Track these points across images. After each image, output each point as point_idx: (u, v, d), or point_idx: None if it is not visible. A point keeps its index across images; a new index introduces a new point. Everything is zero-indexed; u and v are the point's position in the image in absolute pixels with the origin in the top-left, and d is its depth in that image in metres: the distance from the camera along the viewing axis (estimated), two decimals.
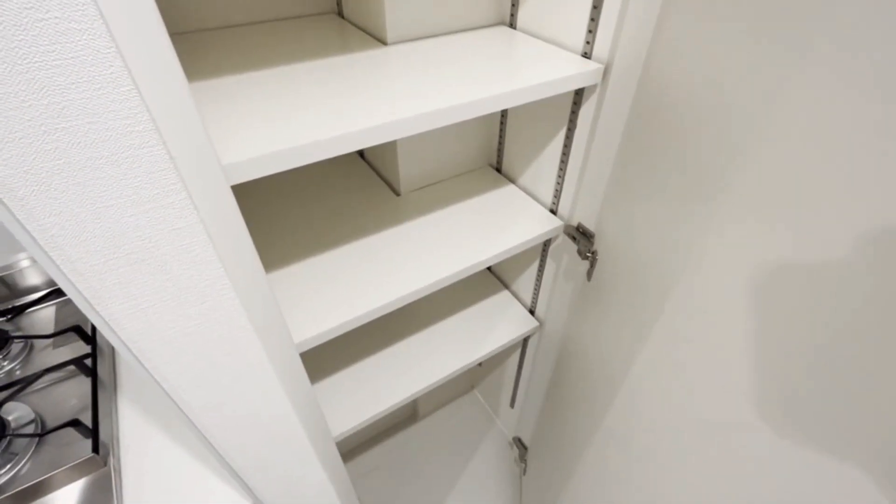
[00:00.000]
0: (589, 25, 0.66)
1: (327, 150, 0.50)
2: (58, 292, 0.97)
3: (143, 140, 0.33)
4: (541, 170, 0.88)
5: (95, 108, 0.30)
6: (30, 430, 0.72)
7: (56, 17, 0.26)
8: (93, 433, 0.70)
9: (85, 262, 0.36)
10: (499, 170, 1.02)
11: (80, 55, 0.28)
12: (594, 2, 0.64)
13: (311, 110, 0.53)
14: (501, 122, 0.95)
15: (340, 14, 0.87)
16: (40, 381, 0.80)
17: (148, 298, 0.41)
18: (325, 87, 0.59)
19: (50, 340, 0.88)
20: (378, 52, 0.70)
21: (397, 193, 0.93)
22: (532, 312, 1.09)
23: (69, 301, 0.97)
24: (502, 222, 0.86)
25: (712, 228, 0.58)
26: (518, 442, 1.50)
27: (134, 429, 0.75)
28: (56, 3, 0.26)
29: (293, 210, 0.89)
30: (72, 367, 0.81)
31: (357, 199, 0.92)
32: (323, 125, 0.50)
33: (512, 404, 1.48)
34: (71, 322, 0.89)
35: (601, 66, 0.66)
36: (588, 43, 0.68)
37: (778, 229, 0.51)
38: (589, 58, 0.68)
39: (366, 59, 0.67)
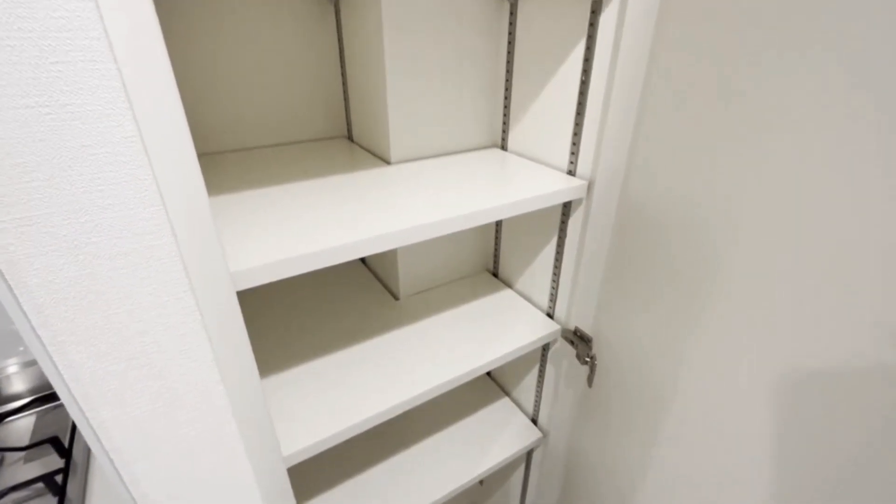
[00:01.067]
0: (571, 148, 0.75)
1: (331, 257, 0.53)
2: (40, 400, 0.94)
3: (163, 253, 0.36)
4: (536, 275, 0.92)
5: (125, 226, 0.34)
6: None
7: (107, 152, 0.31)
8: None
9: (86, 368, 0.36)
10: (496, 274, 1.05)
11: (121, 181, 0.32)
12: (574, 129, 0.73)
13: (317, 220, 0.57)
14: (497, 231, 1.01)
15: (350, 138, 0.98)
16: (2, 501, 0.73)
17: (141, 405, 0.40)
18: (331, 200, 0.64)
19: (23, 454, 0.82)
20: (382, 171, 0.77)
21: (396, 298, 0.95)
22: (535, 422, 1.04)
23: (50, 410, 0.94)
24: (500, 326, 0.87)
25: (706, 334, 0.59)
26: None
27: None
28: (109, 140, 0.31)
29: (291, 312, 0.90)
30: (40, 485, 0.75)
31: (356, 302, 0.94)
32: (328, 234, 0.54)
33: None
34: (49, 433, 0.85)
35: (585, 183, 0.73)
36: (572, 163, 0.75)
37: (767, 337, 0.52)
38: (573, 175, 0.76)
39: (371, 177, 0.74)
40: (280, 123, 0.91)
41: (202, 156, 0.86)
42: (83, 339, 0.35)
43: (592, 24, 0.65)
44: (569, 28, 0.69)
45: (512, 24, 0.80)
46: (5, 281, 0.30)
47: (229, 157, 0.85)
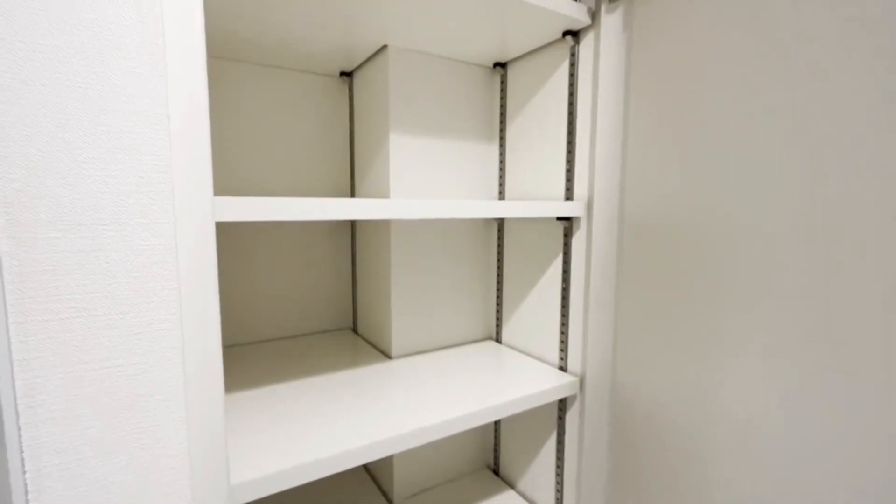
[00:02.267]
0: (560, 345, 0.80)
1: (329, 467, 0.53)
2: None
3: (174, 477, 0.38)
4: (539, 476, 0.87)
5: (158, 460, 0.36)
6: None
7: (157, 399, 0.35)
8: None
9: None
10: (496, 471, 0.99)
11: (162, 423, 0.36)
12: (561, 328, 0.80)
13: (318, 428, 0.59)
14: (496, 425, 1.00)
15: (355, 330, 1.05)
16: None
17: None
18: (333, 401, 0.66)
19: None
20: (383, 366, 0.81)
21: (390, 503, 0.88)
22: None
23: None
24: None
25: None
26: None
27: None
28: (160, 388, 0.36)
29: None
30: None
31: None
32: (328, 443, 0.55)
33: None
34: None
35: (576, 379, 0.76)
36: (562, 358, 0.80)
37: None
38: (565, 370, 0.79)
39: (372, 374, 0.78)
40: (294, 319, 0.99)
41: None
42: None
43: (566, 244, 0.78)
44: (547, 245, 0.82)
45: (500, 238, 0.95)
46: None
47: (245, 349, 0.90)
